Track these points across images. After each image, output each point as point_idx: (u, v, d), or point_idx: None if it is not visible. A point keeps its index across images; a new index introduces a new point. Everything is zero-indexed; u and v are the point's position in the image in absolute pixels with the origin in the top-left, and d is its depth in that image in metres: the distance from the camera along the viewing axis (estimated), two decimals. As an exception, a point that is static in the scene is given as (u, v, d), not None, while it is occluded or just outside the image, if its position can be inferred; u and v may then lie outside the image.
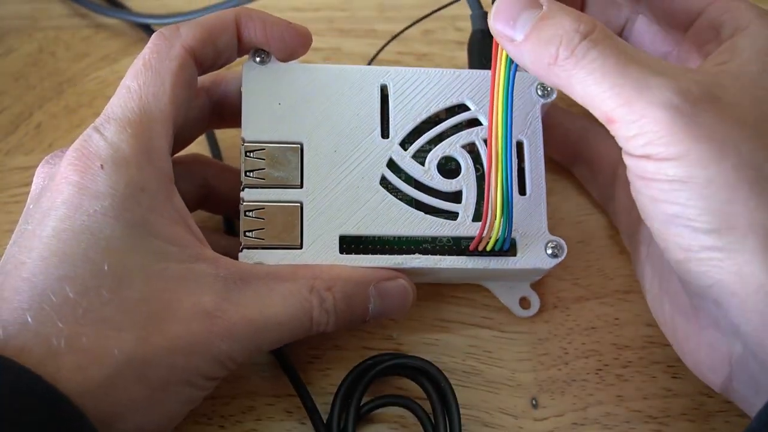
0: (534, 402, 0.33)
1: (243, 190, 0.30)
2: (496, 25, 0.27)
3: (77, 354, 0.24)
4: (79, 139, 0.28)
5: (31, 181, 0.37)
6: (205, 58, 0.30)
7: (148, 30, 0.42)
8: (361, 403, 0.30)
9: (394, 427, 0.31)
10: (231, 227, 0.36)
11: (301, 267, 0.29)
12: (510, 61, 0.28)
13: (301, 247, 0.30)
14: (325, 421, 0.31)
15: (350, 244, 0.31)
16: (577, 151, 0.36)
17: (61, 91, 0.40)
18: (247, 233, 0.30)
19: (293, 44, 0.31)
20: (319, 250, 0.30)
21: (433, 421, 0.30)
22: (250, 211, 0.30)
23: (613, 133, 0.26)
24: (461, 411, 0.30)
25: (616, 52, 0.25)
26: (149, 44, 0.30)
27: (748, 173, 0.24)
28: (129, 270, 0.26)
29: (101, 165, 0.27)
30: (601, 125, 0.36)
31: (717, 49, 0.28)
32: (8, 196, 0.37)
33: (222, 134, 0.38)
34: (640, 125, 0.25)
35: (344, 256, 0.30)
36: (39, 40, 0.42)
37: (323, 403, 0.31)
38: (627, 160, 0.26)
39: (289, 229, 0.30)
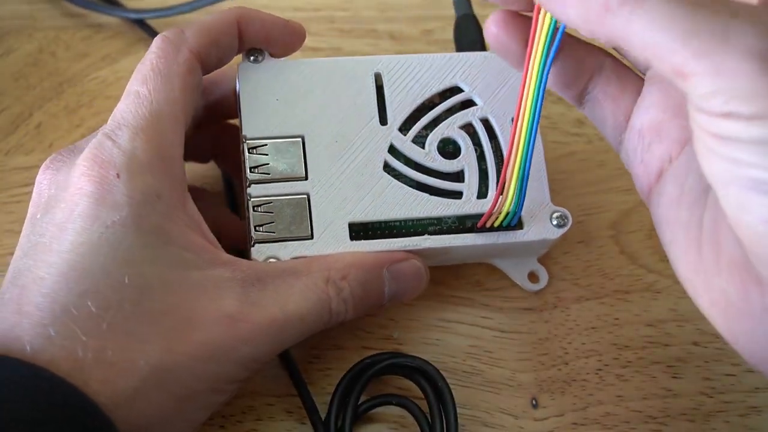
0: (534, 402, 0.33)
1: (249, 186, 0.30)
2: None
3: (104, 367, 0.24)
4: (90, 147, 0.27)
5: (32, 182, 0.37)
6: (209, 61, 0.30)
7: (143, 25, 0.42)
8: (359, 402, 0.30)
9: (393, 427, 0.31)
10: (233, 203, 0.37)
11: (314, 259, 0.29)
12: (551, 34, 0.26)
13: (312, 238, 0.30)
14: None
15: (360, 231, 0.31)
16: (588, 89, 0.31)
17: (61, 91, 0.40)
18: (257, 228, 0.30)
19: (290, 42, 0.32)
20: (330, 239, 0.30)
21: (430, 420, 0.30)
22: (258, 206, 0.30)
23: (684, 89, 0.22)
24: (461, 411, 0.30)
25: None
26: (154, 49, 0.29)
27: None
28: (149, 281, 0.26)
29: (117, 174, 0.26)
30: (619, 64, 0.30)
31: None
32: (8, 196, 0.37)
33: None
34: (722, 80, 0.21)
35: (355, 242, 0.30)
36: (39, 40, 0.42)
37: (323, 402, 0.31)
38: (699, 117, 0.22)
39: (299, 221, 0.30)
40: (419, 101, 0.32)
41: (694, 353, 0.30)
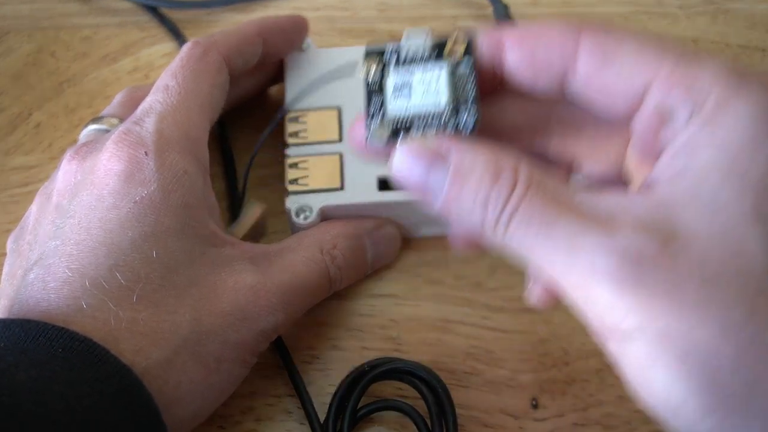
0: (534, 402, 0.33)
1: (288, 147, 0.33)
2: (407, 185, 0.23)
3: (136, 338, 0.25)
4: (117, 132, 0.28)
5: (32, 182, 0.37)
6: (235, 66, 0.32)
7: (155, 12, 0.42)
8: (358, 407, 0.30)
9: (394, 428, 0.31)
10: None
11: (305, 235, 0.31)
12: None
13: (342, 189, 0.33)
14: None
15: (386, 183, 0.33)
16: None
17: (61, 91, 0.40)
18: (291, 182, 0.33)
19: (301, 38, 0.36)
20: (359, 190, 0.32)
21: (429, 425, 0.30)
22: (294, 164, 0.33)
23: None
24: (461, 411, 0.30)
25: (542, 210, 0.21)
26: (185, 50, 0.31)
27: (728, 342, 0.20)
28: (175, 255, 0.27)
29: (145, 152, 0.28)
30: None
31: (672, 144, 0.22)
32: (8, 196, 0.37)
33: (234, 140, 0.38)
34: (585, 298, 0.21)
35: (382, 193, 0.32)
36: (39, 40, 0.42)
37: (323, 403, 0.31)
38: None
39: (331, 175, 0.33)
40: None
41: (695, 353, 0.30)
